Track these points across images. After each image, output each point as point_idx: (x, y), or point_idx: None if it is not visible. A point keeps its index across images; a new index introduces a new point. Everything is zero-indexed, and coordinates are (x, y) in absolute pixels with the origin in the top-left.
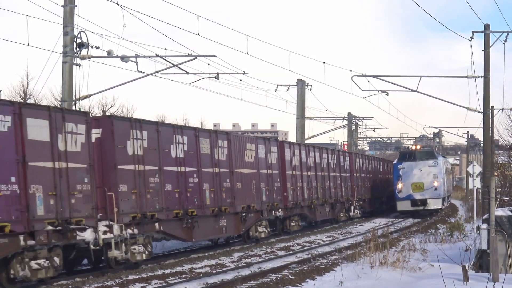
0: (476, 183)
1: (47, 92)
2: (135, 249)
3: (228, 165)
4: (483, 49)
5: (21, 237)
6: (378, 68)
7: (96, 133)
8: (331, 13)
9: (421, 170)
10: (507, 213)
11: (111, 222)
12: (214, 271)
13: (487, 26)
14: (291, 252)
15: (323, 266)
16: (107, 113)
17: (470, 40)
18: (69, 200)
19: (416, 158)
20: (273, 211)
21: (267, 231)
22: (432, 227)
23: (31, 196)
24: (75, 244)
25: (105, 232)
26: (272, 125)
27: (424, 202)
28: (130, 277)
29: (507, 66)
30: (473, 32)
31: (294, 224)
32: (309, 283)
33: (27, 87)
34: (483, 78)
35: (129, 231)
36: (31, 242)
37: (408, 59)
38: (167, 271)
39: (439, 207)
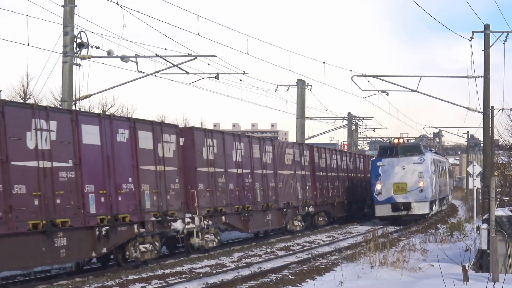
0: (476, 183)
1: (47, 92)
2: (208, 237)
3: (273, 167)
4: (483, 49)
5: (135, 226)
6: (378, 68)
7: (180, 142)
8: (331, 13)
9: (404, 168)
10: (507, 213)
11: (192, 215)
12: (214, 271)
13: (487, 26)
14: (291, 252)
15: (323, 266)
16: (108, 113)
17: (470, 40)
18: (166, 196)
19: (398, 153)
20: (305, 207)
21: (301, 225)
22: (432, 227)
23: (142, 193)
24: (166, 232)
25: (188, 223)
26: (272, 125)
27: (407, 206)
28: (130, 277)
29: (507, 66)
30: (473, 32)
31: (321, 219)
32: (309, 283)
33: (27, 87)
34: (483, 78)
35: (205, 222)
36: (142, 230)
37: (408, 59)
38: (167, 271)
39: (426, 213)
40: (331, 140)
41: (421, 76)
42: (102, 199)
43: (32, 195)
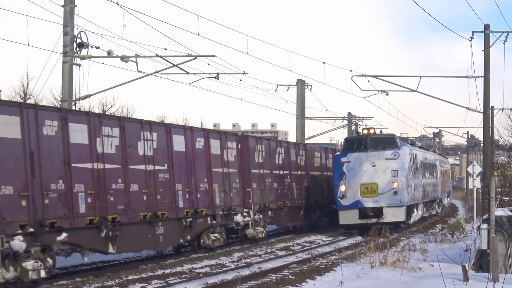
0: (476, 183)
1: (47, 92)
2: (258, 229)
3: (306, 169)
4: (483, 49)
5: (209, 218)
6: (378, 68)
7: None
8: (331, 13)
9: (374, 165)
10: (507, 213)
11: (248, 210)
12: (214, 271)
13: (487, 26)
14: (291, 252)
15: (323, 266)
16: (107, 112)
17: (470, 40)
18: (230, 194)
19: (367, 147)
20: (330, 205)
21: (326, 221)
22: (432, 227)
23: (213, 191)
24: (228, 224)
25: (245, 216)
26: (272, 125)
27: (378, 212)
28: (130, 277)
29: (507, 66)
30: (473, 32)
31: None
32: (309, 283)
33: (27, 87)
34: (483, 78)
35: (257, 216)
36: (213, 222)
37: (408, 59)
38: (167, 271)
39: (401, 220)
40: (331, 140)
41: (421, 76)
42: (187, 196)
43: (142, 192)
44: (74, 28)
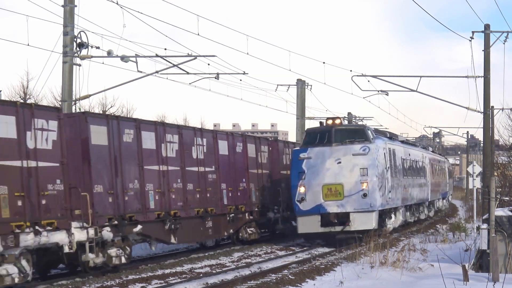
0: (476, 183)
1: (47, 92)
2: (286, 224)
3: None
4: (483, 49)
5: (246, 214)
6: (378, 68)
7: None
8: (331, 13)
9: (339, 162)
10: (507, 213)
11: (278, 207)
12: (214, 271)
13: (487, 26)
14: (291, 252)
15: (323, 266)
16: (106, 113)
17: (470, 40)
18: (263, 192)
19: (332, 140)
20: None
21: None
22: (432, 227)
23: (250, 190)
24: (260, 219)
25: (275, 213)
26: (272, 125)
27: (343, 218)
28: (130, 277)
29: (507, 66)
30: (473, 32)
31: None
32: (309, 283)
33: (27, 87)
34: (483, 78)
35: (285, 213)
36: (250, 218)
37: (408, 59)
38: (167, 271)
39: (372, 227)
40: None
41: (421, 76)
42: (230, 194)
43: (196, 190)
44: (74, 28)
